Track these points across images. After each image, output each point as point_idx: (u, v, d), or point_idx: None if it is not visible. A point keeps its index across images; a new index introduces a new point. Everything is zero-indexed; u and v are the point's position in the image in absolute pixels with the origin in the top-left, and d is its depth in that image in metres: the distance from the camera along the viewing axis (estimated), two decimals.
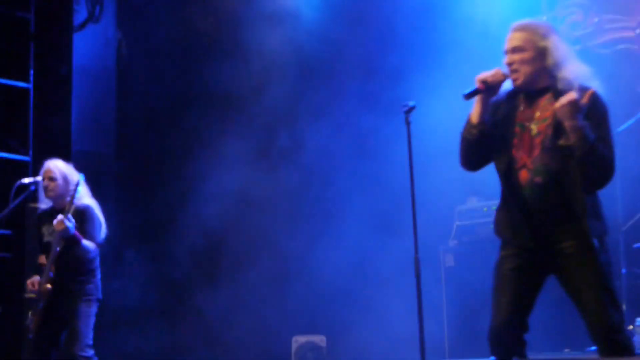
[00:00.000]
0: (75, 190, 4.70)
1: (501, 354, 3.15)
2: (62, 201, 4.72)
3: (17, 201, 5.06)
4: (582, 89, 3.08)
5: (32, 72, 5.93)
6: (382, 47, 6.42)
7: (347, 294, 6.16)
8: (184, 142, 6.26)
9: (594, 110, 3.09)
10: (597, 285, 3.09)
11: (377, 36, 6.48)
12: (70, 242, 4.65)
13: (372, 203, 5.84)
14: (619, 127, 5.52)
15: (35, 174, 5.22)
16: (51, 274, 4.68)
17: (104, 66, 6.13)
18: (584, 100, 3.06)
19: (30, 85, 5.93)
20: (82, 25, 5.89)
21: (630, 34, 6.65)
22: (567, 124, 3.02)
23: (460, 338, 5.54)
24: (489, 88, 3.21)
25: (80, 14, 5.90)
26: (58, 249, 4.67)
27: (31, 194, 5.27)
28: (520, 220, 3.29)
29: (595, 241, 3.15)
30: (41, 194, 5.00)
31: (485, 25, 5.85)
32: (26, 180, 5.12)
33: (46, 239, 4.87)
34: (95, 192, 4.96)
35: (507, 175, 3.30)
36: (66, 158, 5.30)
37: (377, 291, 5.87)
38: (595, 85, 3.16)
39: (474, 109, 3.24)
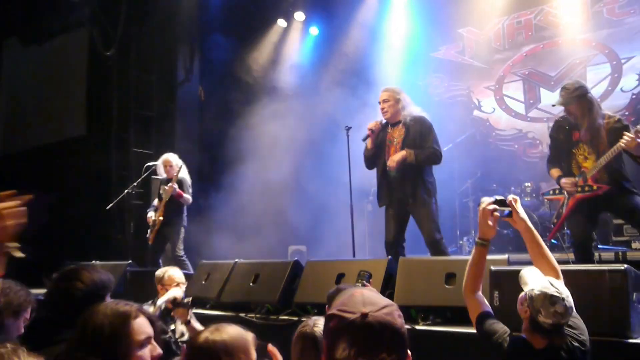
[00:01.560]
0: (179, 170, 6.73)
1: (392, 254, 4.74)
2: (172, 175, 6.77)
3: (145, 174, 7.65)
4: (415, 118, 4.90)
5: (155, 107, 8.49)
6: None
7: (316, 224, 8.19)
8: (232, 144, 8.56)
9: (422, 130, 4.89)
10: (429, 221, 4.77)
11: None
12: (176, 197, 6.64)
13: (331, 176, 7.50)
14: (457, 139, 8.04)
15: (155, 160, 7.48)
16: (164, 213, 6.73)
17: (191, 105, 8.74)
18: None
19: (154, 114, 8.54)
20: (181, 83, 8.56)
21: (462, 92, 9.40)
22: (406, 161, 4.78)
23: (376, 246, 7.26)
24: (373, 132, 5.01)
25: (179, 76, 8.54)
26: (165, 199, 6.67)
27: (153, 170, 7.53)
28: (391, 191, 4.97)
29: (428, 199, 4.82)
30: (161, 170, 7.05)
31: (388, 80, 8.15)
32: (150, 163, 7.59)
33: (161, 192, 6.91)
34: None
35: (384, 167, 4.98)
36: (171, 151, 7.38)
37: (334, 222, 7.49)
38: (425, 115, 4.96)
39: (368, 141, 5.08)
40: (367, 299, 1.36)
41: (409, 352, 1.37)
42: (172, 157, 7.04)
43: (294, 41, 9.96)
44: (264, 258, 6.71)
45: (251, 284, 4.93)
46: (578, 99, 4.32)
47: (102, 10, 8.46)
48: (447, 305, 3.81)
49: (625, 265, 3.06)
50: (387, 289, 4.12)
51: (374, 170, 5.27)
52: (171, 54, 8.76)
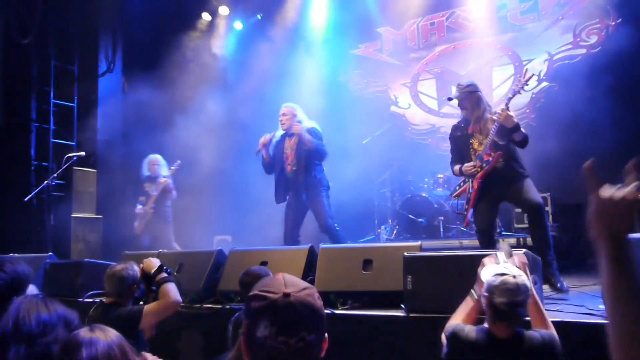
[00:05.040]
0: (174, 170, 7.08)
1: (289, 243, 5.41)
2: (156, 176, 7.01)
3: (66, 165, 7.20)
4: (308, 129, 5.53)
5: (76, 98, 8.15)
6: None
7: (242, 215, 8.24)
8: (156, 136, 8.14)
9: (313, 134, 5.54)
10: (322, 209, 5.42)
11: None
12: (165, 191, 7.02)
13: None
14: (375, 133, 8.22)
15: (75, 151, 7.45)
16: (153, 206, 7.06)
17: (115, 94, 8.49)
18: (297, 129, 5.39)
19: (75, 105, 8.19)
20: (104, 74, 8.29)
21: (380, 88, 9.62)
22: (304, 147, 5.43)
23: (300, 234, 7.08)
24: (265, 146, 5.69)
25: (102, 67, 8.25)
26: (155, 193, 7.08)
27: (74, 162, 7.34)
28: (288, 189, 5.60)
29: (320, 191, 5.44)
30: (145, 168, 7.18)
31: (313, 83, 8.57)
32: (71, 154, 7.30)
33: (147, 189, 7.14)
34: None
35: (281, 170, 5.64)
36: (93, 143, 7.74)
37: (260, 213, 7.62)
38: (316, 126, 5.58)
39: (264, 153, 5.70)
40: (288, 281, 1.36)
41: (326, 335, 1.38)
42: (158, 157, 7.28)
43: (218, 35, 9.77)
44: (189, 248, 6.74)
45: (175, 273, 4.77)
46: (469, 94, 4.64)
47: None
48: (365, 289, 3.86)
49: (524, 250, 3.20)
50: (308, 275, 4.16)
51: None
52: (93, 44, 8.38)
